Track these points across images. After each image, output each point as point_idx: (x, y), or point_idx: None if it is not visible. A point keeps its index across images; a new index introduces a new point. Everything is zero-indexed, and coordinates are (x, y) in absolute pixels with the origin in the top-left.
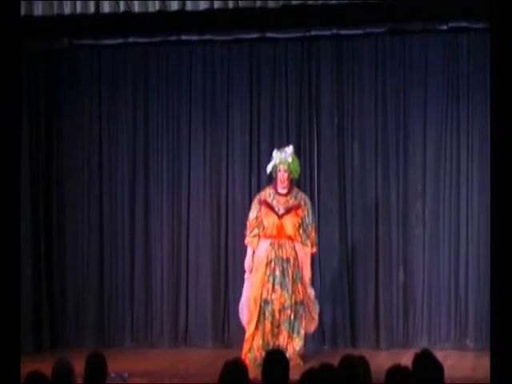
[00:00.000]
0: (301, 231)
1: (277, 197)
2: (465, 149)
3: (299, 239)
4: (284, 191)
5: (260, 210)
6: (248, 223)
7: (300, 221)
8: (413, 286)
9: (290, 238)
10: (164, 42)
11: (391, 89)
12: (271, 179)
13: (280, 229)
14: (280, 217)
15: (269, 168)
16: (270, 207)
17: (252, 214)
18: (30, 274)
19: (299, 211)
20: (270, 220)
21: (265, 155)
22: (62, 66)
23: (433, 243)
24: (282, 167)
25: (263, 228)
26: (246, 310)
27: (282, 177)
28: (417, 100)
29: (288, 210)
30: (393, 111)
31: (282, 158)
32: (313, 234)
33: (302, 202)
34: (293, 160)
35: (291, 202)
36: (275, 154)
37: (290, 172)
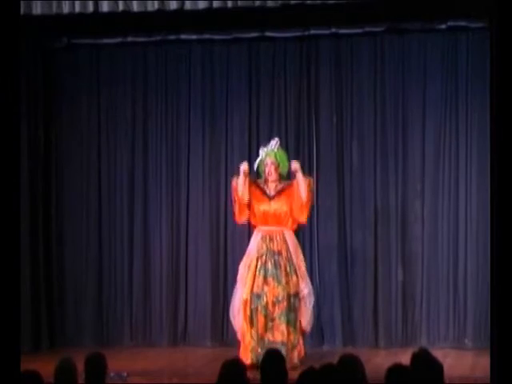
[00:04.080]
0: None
1: (266, 184)
2: (463, 147)
3: (289, 223)
4: (273, 179)
5: (244, 182)
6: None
7: (292, 200)
8: (412, 285)
9: (279, 222)
10: (163, 42)
11: (390, 88)
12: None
13: (270, 213)
14: (271, 198)
15: (256, 164)
16: (261, 190)
17: (238, 181)
18: (29, 274)
19: (291, 190)
20: (260, 204)
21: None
22: (61, 65)
23: (432, 242)
24: (268, 160)
25: (253, 213)
26: (238, 315)
27: (270, 169)
28: (416, 99)
29: (279, 192)
30: (392, 110)
31: (268, 150)
32: (308, 199)
33: (294, 182)
34: (279, 151)
35: (281, 184)
36: (261, 150)
37: (277, 164)
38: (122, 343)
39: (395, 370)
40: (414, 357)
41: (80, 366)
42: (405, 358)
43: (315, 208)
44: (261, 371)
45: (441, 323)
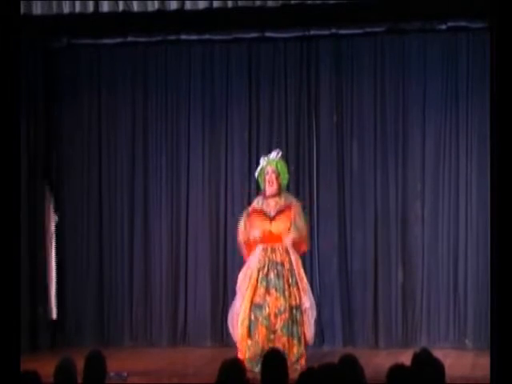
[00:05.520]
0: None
1: (266, 201)
2: (464, 147)
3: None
4: (273, 193)
5: (248, 220)
6: (239, 233)
7: (292, 221)
8: (412, 285)
9: (280, 240)
10: (163, 42)
11: (390, 88)
12: (260, 191)
13: (271, 232)
14: (272, 219)
15: (256, 172)
16: (261, 212)
17: (240, 225)
18: (29, 274)
19: (290, 212)
20: (261, 225)
21: (264, 154)
22: (61, 66)
23: (432, 243)
24: (269, 168)
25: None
26: (237, 326)
27: (270, 178)
28: (416, 99)
29: (279, 212)
30: (392, 110)
31: (270, 159)
32: (305, 232)
33: (294, 202)
34: (280, 162)
35: (282, 203)
36: (262, 159)
37: (278, 174)
38: (122, 343)
39: (396, 370)
40: (416, 357)
41: (80, 366)
42: (405, 359)
43: (315, 208)
44: (261, 371)
45: (441, 323)
